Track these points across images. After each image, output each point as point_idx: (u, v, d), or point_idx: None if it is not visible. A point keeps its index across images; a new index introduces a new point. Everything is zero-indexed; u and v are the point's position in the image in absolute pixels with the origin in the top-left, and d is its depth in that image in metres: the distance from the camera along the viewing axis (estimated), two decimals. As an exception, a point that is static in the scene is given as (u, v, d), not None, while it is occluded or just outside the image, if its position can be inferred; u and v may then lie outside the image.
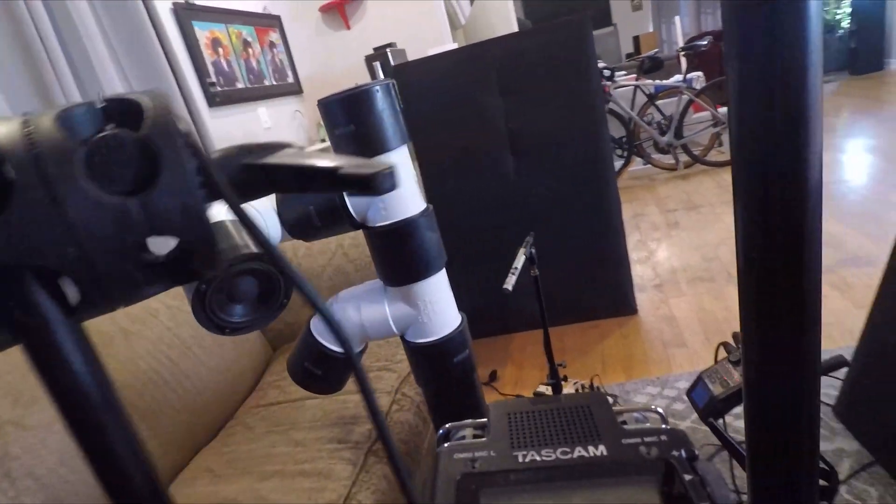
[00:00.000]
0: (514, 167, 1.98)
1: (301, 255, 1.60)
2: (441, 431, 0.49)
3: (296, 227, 0.75)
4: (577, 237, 2.02)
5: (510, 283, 1.12)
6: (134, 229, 0.21)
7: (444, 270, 0.82)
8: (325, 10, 3.22)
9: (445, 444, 0.44)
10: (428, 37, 3.18)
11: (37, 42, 1.65)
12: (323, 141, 3.18)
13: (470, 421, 0.47)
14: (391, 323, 0.81)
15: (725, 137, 3.72)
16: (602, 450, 0.39)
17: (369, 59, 2.94)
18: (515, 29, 3.52)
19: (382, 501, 0.92)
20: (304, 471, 1.00)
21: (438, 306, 0.81)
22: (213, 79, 2.51)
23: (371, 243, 0.79)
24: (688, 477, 0.34)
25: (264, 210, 0.74)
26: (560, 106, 1.88)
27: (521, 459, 0.39)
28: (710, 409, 1.03)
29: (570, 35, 1.82)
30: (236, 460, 1.10)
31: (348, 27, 3.26)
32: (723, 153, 3.82)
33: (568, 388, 1.40)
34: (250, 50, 2.85)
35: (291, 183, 0.27)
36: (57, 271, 0.20)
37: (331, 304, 0.86)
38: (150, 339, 1.25)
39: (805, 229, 0.35)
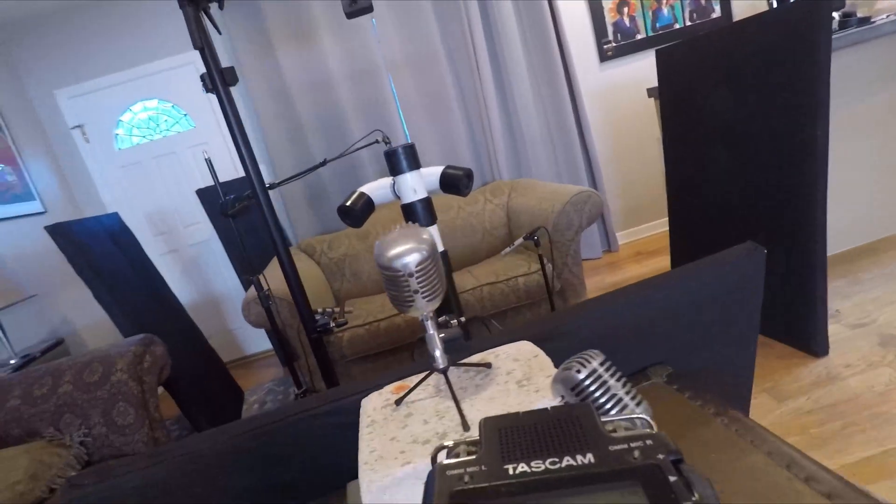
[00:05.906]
0: (725, 159, 1.91)
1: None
2: (434, 450, 0.47)
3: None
4: (771, 245, 1.79)
5: (503, 252, 1.68)
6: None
7: (432, 226, 1.68)
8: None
9: (438, 462, 0.41)
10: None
11: (468, 35, 2.96)
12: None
13: (463, 438, 0.47)
14: (414, 245, 1.79)
15: None
16: (590, 457, 0.38)
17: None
18: None
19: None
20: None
21: (423, 245, 1.72)
22: (610, 37, 3.18)
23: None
24: (672, 478, 0.35)
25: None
26: (767, 99, 1.67)
27: (511, 472, 0.38)
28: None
29: (799, 21, 1.54)
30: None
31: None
32: None
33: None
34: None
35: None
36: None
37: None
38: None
39: None
